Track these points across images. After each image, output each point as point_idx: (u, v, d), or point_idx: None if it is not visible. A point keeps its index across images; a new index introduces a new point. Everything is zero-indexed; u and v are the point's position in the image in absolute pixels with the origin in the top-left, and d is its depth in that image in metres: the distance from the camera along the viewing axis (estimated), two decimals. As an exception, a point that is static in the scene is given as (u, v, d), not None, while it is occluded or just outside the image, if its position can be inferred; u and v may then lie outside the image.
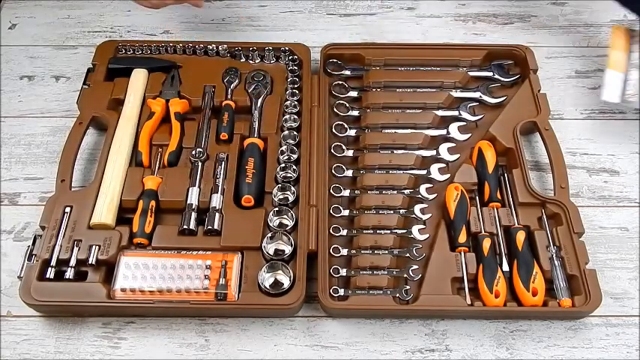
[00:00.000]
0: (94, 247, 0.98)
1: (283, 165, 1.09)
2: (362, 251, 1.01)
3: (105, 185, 1.04)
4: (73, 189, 1.06)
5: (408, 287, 0.98)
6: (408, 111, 1.18)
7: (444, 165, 1.12)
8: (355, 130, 1.16)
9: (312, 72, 1.22)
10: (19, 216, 1.08)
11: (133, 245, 1.01)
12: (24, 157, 1.15)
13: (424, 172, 1.11)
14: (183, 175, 1.07)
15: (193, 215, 1.02)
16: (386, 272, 0.99)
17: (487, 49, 1.25)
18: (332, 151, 1.13)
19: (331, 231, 1.03)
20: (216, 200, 1.04)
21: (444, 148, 1.14)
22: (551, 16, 1.40)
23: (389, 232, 1.03)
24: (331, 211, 1.06)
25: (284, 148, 1.10)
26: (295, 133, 1.13)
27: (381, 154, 1.13)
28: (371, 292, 0.98)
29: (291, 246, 0.99)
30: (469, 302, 0.96)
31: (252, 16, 1.39)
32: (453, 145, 1.14)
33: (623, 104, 1.16)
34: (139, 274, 0.95)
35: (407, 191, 1.08)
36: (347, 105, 1.20)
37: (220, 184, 1.06)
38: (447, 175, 1.11)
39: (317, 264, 0.99)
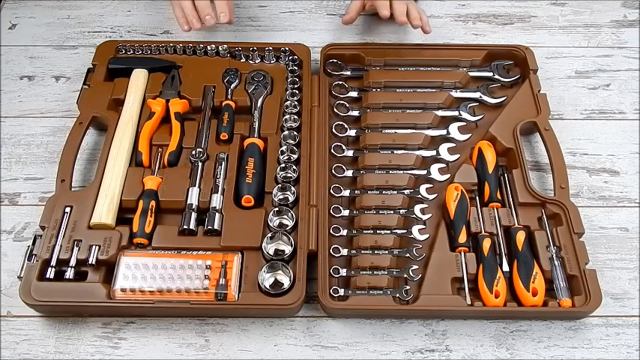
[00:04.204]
0: (94, 247, 0.98)
1: (283, 165, 1.09)
2: (362, 251, 1.01)
3: (105, 185, 1.04)
4: (73, 189, 1.06)
5: (408, 287, 0.98)
6: (408, 111, 1.18)
7: (444, 165, 1.12)
8: (355, 130, 1.16)
9: (312, 72, 1.22)
10: (19, 216, 1.08)
11: (133, 245, 1.01)
12: (24, 157, 1.15)
13: (424, 172, 1.11)
14: (183, 175, 1.07)
15: (193, 215, 1.02)
16: (386, 272, 0.99)
17: (487, 50, 1.25)
18: (332, 151, 1.13)
19: (331, 231, 1.03)
20: (216, 200, 1.04)
21: (444, 148, 1.14)
22: (551, 16, 1.40)
23: (389, 232, 1.03)
24: (331, 211, 1.06)
25: (284, 148, 1.10)
26: (295, 133, 1.13)
27: (381, 154, 1.13)
28: (371, 292, 0.98)
29: (291, 246, 0.99)
30: (469, 302, 0.96)
31: (252, 16, 1.39)
32: (453, 145, 1.14)
33: None
34: (139, 274, 0.95)
35: (407, 191, 1.08)
36: (347, 105, 1.20)
37: (220, 184, 1.06)
38: (447, 175, 1.11)
39: (317, 264, 0.98)
